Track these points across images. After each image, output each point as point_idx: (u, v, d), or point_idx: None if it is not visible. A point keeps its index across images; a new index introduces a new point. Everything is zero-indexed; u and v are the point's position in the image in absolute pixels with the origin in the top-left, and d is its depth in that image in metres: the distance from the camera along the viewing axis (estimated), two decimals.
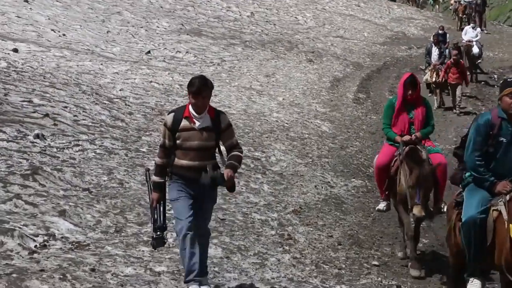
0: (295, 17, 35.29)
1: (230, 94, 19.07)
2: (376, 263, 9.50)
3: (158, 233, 7.10)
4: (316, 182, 12.87)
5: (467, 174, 7.14)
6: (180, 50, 23.91)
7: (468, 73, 22.99)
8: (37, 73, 16.10)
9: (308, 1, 39.75)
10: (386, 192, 9.89)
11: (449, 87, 21.91)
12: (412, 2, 49.08)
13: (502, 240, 6.64)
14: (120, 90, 16.58)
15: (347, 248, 9.90)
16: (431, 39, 24.91)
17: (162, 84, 18.35)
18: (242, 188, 11.35)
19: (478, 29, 27.47)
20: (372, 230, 10.95)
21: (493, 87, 25.75)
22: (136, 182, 10.61)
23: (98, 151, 11.67)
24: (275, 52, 26.75)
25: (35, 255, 7.52)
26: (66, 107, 13.66)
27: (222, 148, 7.30)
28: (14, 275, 6.83)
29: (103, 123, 13.48)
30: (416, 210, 8.81)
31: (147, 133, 13.53)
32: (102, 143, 12.14)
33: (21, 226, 8.04)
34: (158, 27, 27.09)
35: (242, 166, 10.97)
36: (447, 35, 26.44)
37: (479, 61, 26.13)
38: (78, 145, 11.70)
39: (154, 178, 7.20)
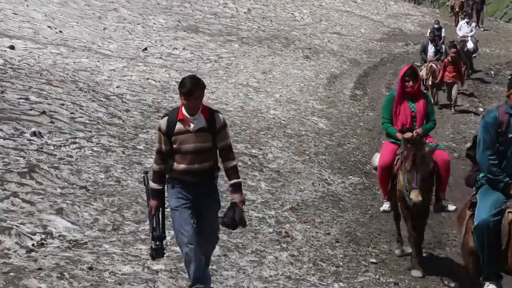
0: (292, 14, 35.26)
1: (227, 91, 19.06)
2: (373, 260, 9.50)
3: (157, 243, 6.87)
4: (313, 179, 12.87)
5: (481, 175, 6.91)
6: (177, 47, 23.87)
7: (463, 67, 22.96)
8: (33, 70, 16.06)
9: None
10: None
11: (444, 85, 21.92)
12: None
13: None
14: (117, 87, 16.55)
15: (345, 245, 9.91)
16: (428, 34, 24.92)
17: (159, 81, 18.32)
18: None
19: (473, 24, 27.40)
20: (370, 228, 10.95)
21: (489, 84, 25.78)
22: (133, 180, 10.59)
23: (95, 148, 11.65)
24: (272, 48, 26.72)
25: (33, 254, 7.51)
26: (63, 104, 13.63)
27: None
28: (11, 273, 6.83)
29: (100, 121, 13.46)
30: (414, 195, 8.44)
31: (144, 131, 13.50)
32: (99, 140, 12.12)
33: (18, 225, 8.03)
34: (155, 23, 27.05)
35: (239, 163, 10.95)
36: (443, 29, 26.43)
37: (474, 55, 26.12)
38: (75, 142, 11.68)
39: (152, 185, 6.97)
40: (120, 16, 26.84)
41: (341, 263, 9.19)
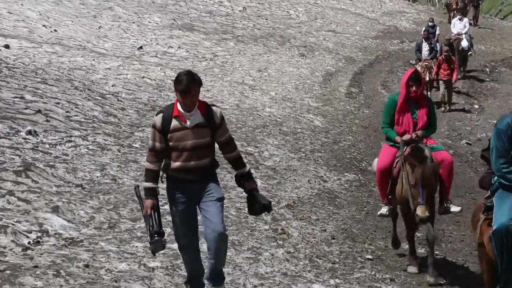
0: (287, 12, 35.24)
1: (223, 89, 19.06)
2: (369, 257, 9.51)
3: (156, 236, 6.60)
4: (309, 176, 12.88)
5: (496, 178, 6.58)
6: (172, 45, 23.86)
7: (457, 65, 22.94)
8: (28, 69, 16.05)
9: None
10: (389, 196, 9.37)
11: (438, 83, 21.95)
12: None
13: None
14: (112, 85, 16.54)
15: (341, 242, 9.91)
16: (422, 32, 24.94)
17: (154, 80, 18.32)
18: (235, 183, 11.31)
19: (465, 20, 27.28)
20: (366, 224, 10.96)
21: (484, 81, 25.81)
22: (129, 178, 10.60)
23: (90, 147, 11.65)
24: (267, 46, 26.72)
25: (29, 252, 7.51)
26: (58, 103, 13.63)
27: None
28: (7, 271, 6.83)
29: (95, 119, 13.46)
30: (420, 210, 8.25)
31: (140, 129, 13.50)
32: (94, 139, 12.12)
33: (14, 223, 8.03)
34: (150, 22, 27.03)
35: None
36: (437, 27, 26.44)
37: (470, 53, 26.09)
38: (70, 141, 11.67)
39: (146, 184, 6.70)
40: (115, 15, 26.81)
41: (337, 260, 9.20)
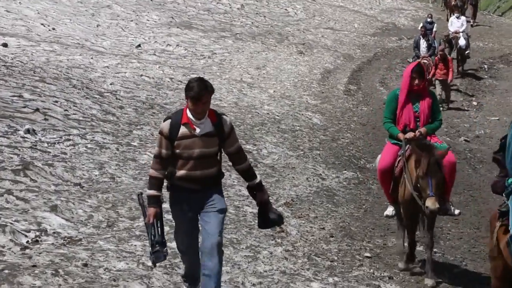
0: (285, 9, 35.24)
1: (221, 87, 19.04)
2: (368, 254, 9.51)
3: (157, 246, 6.42)
4: (307, 174, 12.88)
5: (510, 180, 6.21)
6: (170, 43, 23.86)
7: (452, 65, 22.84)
8: (27, 68, 16.05)
9: None
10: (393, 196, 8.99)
11: (436, 83, 21.92)
12: None
13: None
14: (110, 84, 16.54)
15: (339, 240, 9.91)
16: (419, 29, 24.93)
17: (153, 78, 18.32)
18: (233, 181, 11.35)
19: (463, 18, 27.23)
20: (364, 222, 10.96)
21: (482, 79, 25.81)
22: (127, 177, 10.60)
23: (89, 145, 11.65)
24: (265, 44, 26.72)
25: (27, 251, 7.51)
26: (56, 101, 13.62)
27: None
28: (6, 271, 6.82)
29: (94, 118, 13.45)
30: (430, 202, 7.92)
31: (138, 127, 13.50)
32: (93, 137, 12.12)
33: (12, 222, 8.03)
34: (148, 20, 27.02)
35: None
36: (435, 24, 26.42)
37: (467, 52, 26.04)
38: (69, 139, 11.67)
39: (149, 192, 6.48)
40: (113, 13, 26.80)
41: (336, 258, 9.20)
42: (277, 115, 17.22)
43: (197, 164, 6.43)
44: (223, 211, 6.63)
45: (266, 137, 14.89)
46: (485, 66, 27.53)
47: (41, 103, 13.26)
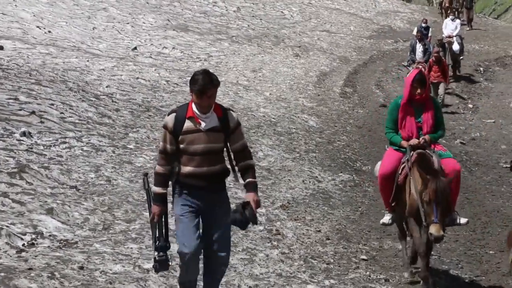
0: (282, 12, 35.26)
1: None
2: (364, 257, 9.52)
3: (161, 254, 6.26)
4: (303, 177, 12.89)
5: None
6: (166, 46, 23.86)
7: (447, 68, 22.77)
8: (23, 71, 16.03)
9: None
10: (393, 204, 8.70)
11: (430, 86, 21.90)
12: None
13: None
14: (106, 86, 16.53)
15: (335, 242, 9.92)
16: (414, 32, 24.90)
17: (149, 80, 18.32)
18: (229, 184, 11.31)
19: (457, 21, 27.18)
20: (360, 224, 10.97)
21: (477, 82, 25.81)
22: (123, 179, 10.59)
23: (85, 148, 11.64)
24: (261, 47, 26.74)
25: (23, 254, 7.50)
26: (52, 104, 13.61)
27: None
28: (2, 274, 6.80)
29: (90, 120, 13.45)
30: (434, 229, 7.67)
31: (134, 130, 13.50)
32: (89, 140, 12.11)
33: (8, 225, 8.01)
34: (144, 23, 27.02)
35: None
36: (430, 28, 26.38)
37: (461, 57, 25.98)
38: (65, 142, 11.66)
39: (155, 189, 6.31)
40: (110, 16, 26.80)
41: (332, 260, 9.21)
42: (273, 118, 17.23)
43: (204, 160, 6.24)
44: (229, 223, 6.39)
45: (262, 139, 14.89)
46: (481, 69, 27.57)
47: (37, 105, 13.25)
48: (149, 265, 7.67)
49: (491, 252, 10.08)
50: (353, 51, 29.47)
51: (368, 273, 8.92)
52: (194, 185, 6.28)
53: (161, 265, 6.33)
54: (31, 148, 11.01)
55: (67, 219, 8.69)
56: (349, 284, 8.44)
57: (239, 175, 6.52)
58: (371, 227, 10.88)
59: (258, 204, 6.30)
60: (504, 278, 9.05)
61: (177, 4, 31.56)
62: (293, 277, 8.33)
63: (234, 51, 25.29)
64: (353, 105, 21.06)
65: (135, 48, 22.76)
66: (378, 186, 8.99)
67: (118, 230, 8.70)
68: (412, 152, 8.29)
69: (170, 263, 6.41)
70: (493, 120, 20.75)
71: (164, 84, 18.27)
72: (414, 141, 8.34)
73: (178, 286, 6.90)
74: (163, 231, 6.35)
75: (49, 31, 22.31)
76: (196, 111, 6.21)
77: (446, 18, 30.09)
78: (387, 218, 8.95)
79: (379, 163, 9.03)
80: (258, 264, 8.50)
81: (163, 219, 6.37)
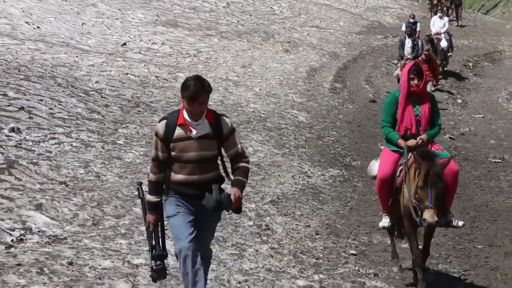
0: (271, 7, 35.25)
1: None
2: (353, 252, 9.54)
3: (158, 262, 6.14)
4: (293, 172, 12.90)
5: None
6: (156, 42, 23.82)
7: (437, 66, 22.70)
8: (11, 66, 15.97)
9: None
10: (389, 203, 8.52)
11: None
12: None
13: None
14: (96, 82, 16.50)
15: (325, 237, 9.94)
16: (403, 28, 24.90)
17: (138, 76, 18.29)
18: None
19: (446, 18, 27.16)
20: (350, 220, 11.00)
21: (466, 77, 25.88)
22: (113, 175, 10.58)
23: (74, 144, 11.62)
24: (251, 42, 26.73)
25: (12, 250, 7.48)
26: (41, 100, 13.57)
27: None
28: None
29: (79, 116, 13.42)
30: (428, 215, 7.37)
31: (124, 126, 13.48)
32: (78, 136, 12.09)
33: None
34: (134, 18, 26.95)
35: None
36: (418, 24, 26.36)
37: (450, 54, 25.98)
38: (54, 138, 11.64)
39: (149, 197, 6.20)
40: (99, 11, 26.71)
41: (321, 255, 9.23)
42: (262, 113, 17.24)
43: (196, 167, 6.09)
44: (217, 222, 6.49)
45: (251, 135, 14.90)
46: (470, 64, 27.66)
47: (26, 101, 13.21)
48: (139, 260, 7.70)
49: (479, 246, 10.12)
50: (342, 46, 29.50)
51: (357, 267, 8.95)
52: (186, 193, 6.16)
53: (159, 274, 6.20)
54: (20, 144, 10.99)
55: (56, 214, 8.68)
56: (338, 278, 8.46)
57: (230, 174, 6.38)
58: (360, 222, 10.91)
59: (238, 199, 6.10)
60: (492, 272, 9.10)
61: (166, 0, 31.49)
62: (283, 272, 8.34)
63: (224, 46, 25.27)
64: (342, 101, 21.10)
65: (125, 43, 22.71)
66: (375, 188, 8.77)
67: (107, 225, 8.69)
68: (409, 154, 8.07)
69: (167, 272, 6.28)
70: (482, 115, 20.82)
71: (154, 79, 18.25)
72: (411, 142, 8.16)
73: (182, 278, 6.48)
74: (159, 239, 6.25)
75: (38, 27, 22.22)
76: (187, 118, 6.04)
77: (434, 14, 30.13)
78: (386, 221, 8.75)
79: (373, 162, 8.93)
80: (248, 259, 8.51)
81: (159, 228, 6.27)
